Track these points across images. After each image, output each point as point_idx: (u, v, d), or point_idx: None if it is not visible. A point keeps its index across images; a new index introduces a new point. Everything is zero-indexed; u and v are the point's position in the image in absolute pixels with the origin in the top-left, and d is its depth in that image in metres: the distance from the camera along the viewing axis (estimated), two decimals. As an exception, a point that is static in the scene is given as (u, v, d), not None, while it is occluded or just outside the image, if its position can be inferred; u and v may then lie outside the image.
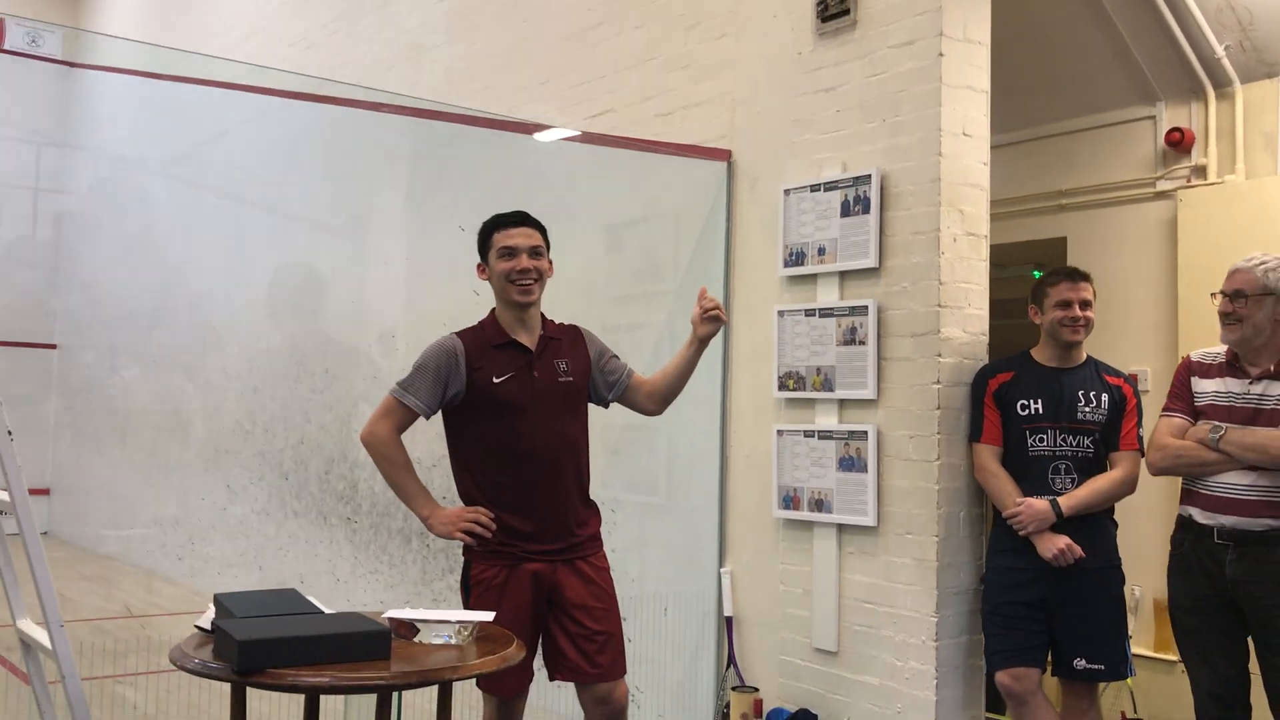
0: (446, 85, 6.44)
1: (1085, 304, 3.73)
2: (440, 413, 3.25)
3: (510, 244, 3.20)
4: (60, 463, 10.67)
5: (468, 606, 3.22)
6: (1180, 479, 3.57)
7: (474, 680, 3.10)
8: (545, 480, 3.18)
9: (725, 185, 4.69)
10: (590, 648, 3.19)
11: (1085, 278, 3.77)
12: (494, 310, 3.29)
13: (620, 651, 3.25)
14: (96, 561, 9.32)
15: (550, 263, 3.30)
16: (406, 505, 3.23)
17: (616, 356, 3.41)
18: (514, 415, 3.16)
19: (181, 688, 5.01)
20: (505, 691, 3.17)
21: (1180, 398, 3.55)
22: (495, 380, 3.16)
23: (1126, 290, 4.98)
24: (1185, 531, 3.51)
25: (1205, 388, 3.50)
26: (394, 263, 6.77)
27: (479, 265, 3.30)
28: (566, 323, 3.39)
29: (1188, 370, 3.58)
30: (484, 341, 3.21)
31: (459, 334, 3.24)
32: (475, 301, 5.82)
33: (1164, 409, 3.59)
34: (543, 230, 3.28)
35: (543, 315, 3.31)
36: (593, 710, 3.23)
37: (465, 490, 3.26)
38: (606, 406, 3.43)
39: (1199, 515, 3.44)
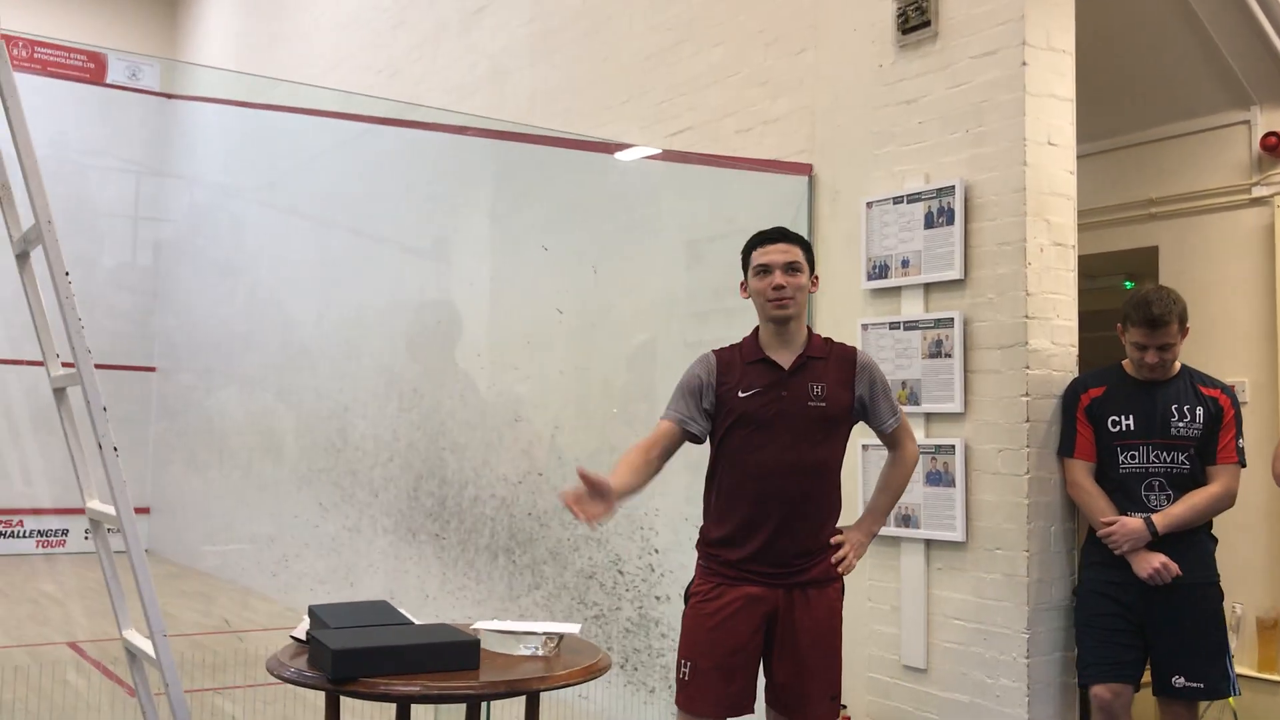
0: (529, 107, 6.54)
1: (1164, 347, 3.60)
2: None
3: (765, 261, 3.17)
4: (160, 482, 11.00)
5: (684, 616, 3.19)
6: None
7: (675, 698, 3.10)
8: (778, 502, 3.08)
9: (806, 199, 4.69)
10: (795, 681, 3.11)
11: (1165, 322, 3.57)
12: (756, 328, 3.25)
13: (826, 696, 3.14)
14: (195, 578, 9.59)
15: (815, 279, 3.25)
16: None
17: (891, 399, 3.25)
18: (755, 432, 3.10)
19: (277, 700, 5.13)
20: (698, 710, 3.08)
21: None
22: (741, 395, 3.12)
23: (1223, 300, 4.85)
24: None
25: None
26: (479, 283, 6.88)
27: (741, 284, 3.27)
28: (847, 345, 3.28)
29: None
30: (738, 358, 3.19)
31: (716, 351, 3.24)
32: (558, 320, 5.91)
33: None
34: (805, 246, 3.22)
35: (812, 334, 3.23)
36: None
37: (705, 505, 3.24)
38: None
39: None
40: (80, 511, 3.05)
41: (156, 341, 11.39)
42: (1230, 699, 4.12)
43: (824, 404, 3.12)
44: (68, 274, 2.72)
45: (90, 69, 10.65)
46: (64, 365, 2.94)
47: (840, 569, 3.16)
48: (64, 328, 2.74)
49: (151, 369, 11.27)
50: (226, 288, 10.28)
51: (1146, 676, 3.69)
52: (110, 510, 2.81)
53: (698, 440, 3.19)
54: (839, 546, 3.17)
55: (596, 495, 2.82)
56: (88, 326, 2.76)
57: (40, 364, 3.01)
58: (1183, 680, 3.57)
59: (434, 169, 7.36)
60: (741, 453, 3.12)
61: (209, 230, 10.85)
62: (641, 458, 3.07)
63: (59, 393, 2.99)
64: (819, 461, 3.13)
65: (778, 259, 3.15)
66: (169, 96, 11.31)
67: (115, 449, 2.71)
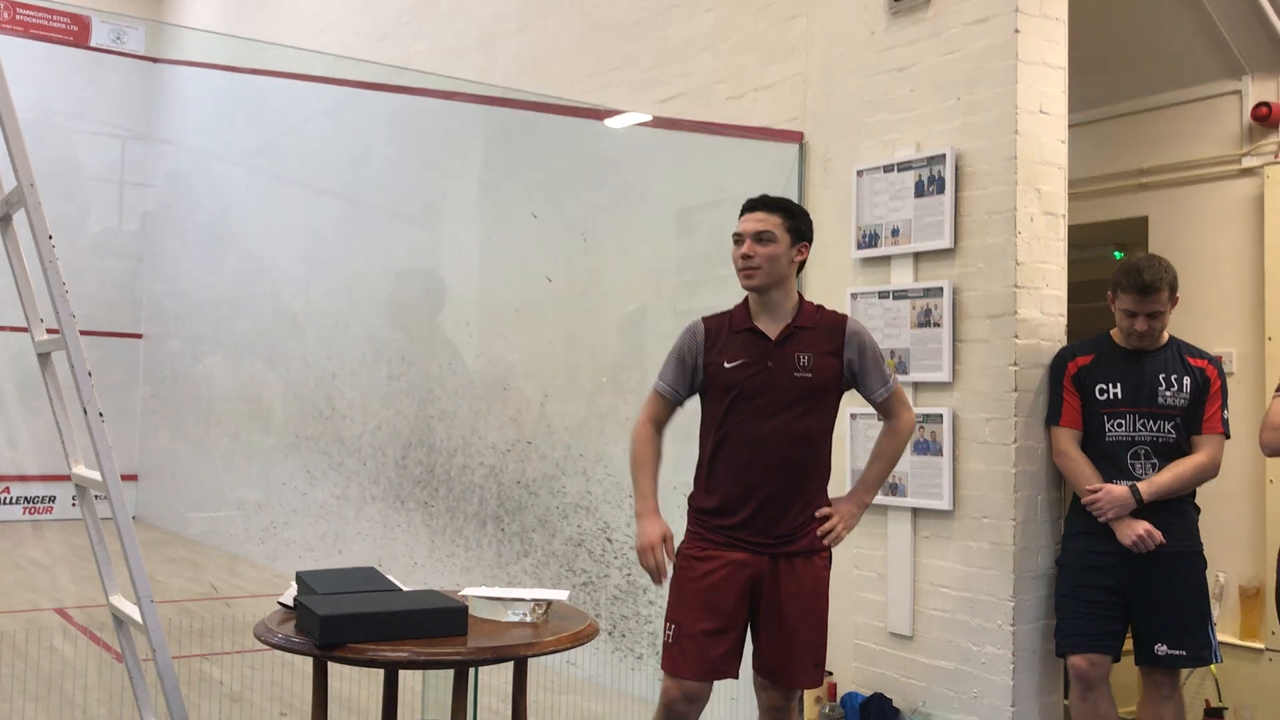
0: (519, 73, 6.49)
1: (1154, 315, 3.60)
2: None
3: (739, 229, 3.16)
4: (147, 449, 10.98)
5: (672, 579, 3.19)
6: None
7: (660, 660, 3.15)
8: (767, 472, 3.09)
9: (797, 167, 4.67)
10: (780, 649, 3.12)
11: (1156, 289, 3.57)
12: (747, 296, 3.22)
13: (810, 664, 3.16)
14: (182, 545, 9.60)
15: (804, 247, 3.19)
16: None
17: (882, 368, 3.19)
18: (741, 402, 3.10)
19: (265, 666, 5.14)
20: (682, 673, 3.08)
21: None
22: (727, 365, 3.12)
23: (1211, 270, 4.85)
24: None
25: None
26: (468, 250, 6.85)
27: None
28: (837, 313, 3.24)
29: None
30: (727, 326, 3.18)
31: (706, 318, 3.23)
32: (547, 288, 5.89)
33: (1278, 388, 3.49)
34: (789, 214, 3.17)
35: (804, 302, 3.21)
36: (764, 711, 3.22)
37: (696, 473, 3.24)
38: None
39: None
40: (67, 478, 3.04)
41: (143, 308, 11.34)
42: (1212, 666, 4.16)
43: (810, 375, 3.11)
44: (51, 238, 2.70)
45: (74, 31, 10.53)
46: (48, 331, 2.91)
47: (826, 541, 3.15)
48: (48, 292, 2.72)
49: (138, 335, 11.23)
50: (214, 254, 10.22)
51: (1127, 645, 3.73)
52: (96, 476, 2.80)
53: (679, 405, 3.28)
54: (827, 518, 3.18)
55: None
56: (73, 292, 2.73)
57: (24, 330, 2.99)
58: (1165, 648, 3.59)
59: (423, 135, 7.31)
60: (730, 423, 3.12)
61: (195, 196, 10.78)
62: (655, 450, 3.24)
63: (43, 358, 2.97)
64: (807, 432, 3.12)
65: (749, 228, 3.14)
66: (154, 60, 11.19)
67: (100, 414, 2.70)
